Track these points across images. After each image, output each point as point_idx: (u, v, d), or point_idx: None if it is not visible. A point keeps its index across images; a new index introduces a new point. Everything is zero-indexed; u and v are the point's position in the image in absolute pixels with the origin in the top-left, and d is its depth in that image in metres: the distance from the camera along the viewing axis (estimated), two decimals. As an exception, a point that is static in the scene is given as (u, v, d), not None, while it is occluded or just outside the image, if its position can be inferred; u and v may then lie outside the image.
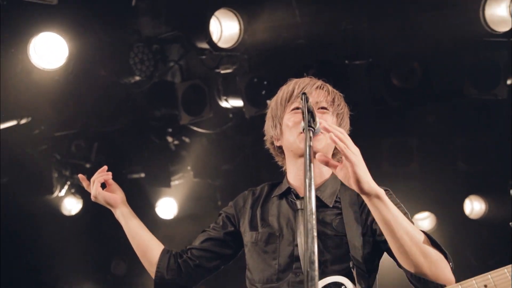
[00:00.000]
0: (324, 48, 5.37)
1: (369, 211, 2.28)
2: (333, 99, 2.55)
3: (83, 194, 6.48)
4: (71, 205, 6.72)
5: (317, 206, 2.24)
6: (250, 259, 2.55)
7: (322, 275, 2.32)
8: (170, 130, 6.48)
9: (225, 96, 5.65)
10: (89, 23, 5.04)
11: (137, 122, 5.98)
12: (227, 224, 2.69)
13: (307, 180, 1.84)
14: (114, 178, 2.83)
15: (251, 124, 6.19)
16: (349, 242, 2.38)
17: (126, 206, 2.78)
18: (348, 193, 2.49)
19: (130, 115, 5.84)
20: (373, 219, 2.28)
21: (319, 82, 2.57)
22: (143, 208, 6.36)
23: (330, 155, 2.50)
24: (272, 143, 2.64)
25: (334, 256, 2.40)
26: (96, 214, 6.74)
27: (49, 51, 4.90)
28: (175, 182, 6.72)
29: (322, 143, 2.38)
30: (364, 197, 2.10)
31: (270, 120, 2.62)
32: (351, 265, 2.34)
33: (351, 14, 5.05)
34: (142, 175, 6.57)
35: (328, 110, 2.49)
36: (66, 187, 6.41)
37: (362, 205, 2.42)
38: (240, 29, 4.94)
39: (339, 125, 2.55)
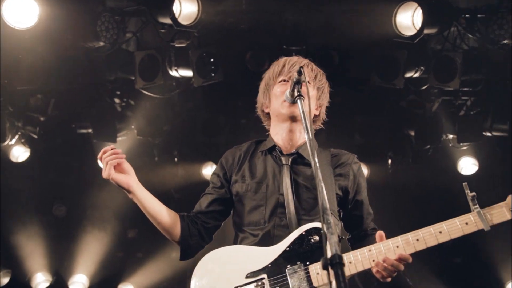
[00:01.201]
0: (265, 34, 6.31)
1: (340, 177, 2.89)
2: (316, 76, 2.94)
3: (32, 143, 6.95)
4: (19, 153, 7.14)
5: (299, 162, 2.91)
6: (240, 206, 2.91)
7: (300, 222, 2.77)
8: (118, 92, 7.12)
9: (176, 66, 6.41)
10: (61, -10, 5.54)
11: (94, 83, 6.57)
12: (224, 183, 3.01)
13: (310, 142, 2.22)
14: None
15: (193, 93, 7.07)
16: (325, 193, 2.69)
17: (140, 188, 2.85)
18: (324, 154, 2.97)
19: (88, 76, 6.40)
20: (346, 187, 2.89)
21: (306, 61, 2.98)
22: (90, 159, 7.00)
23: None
24: (262, 110, 3.07)
25: (311, 206, 2.82)
26: (42, 163, 7.30)
27: (21, 11, 5.36)
28: (120, 139, 7.38)
29: (301, 109, 2.65)
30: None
31: (261, 90, 3.04)
32: (327, 214, 2.79)
33: (290, 7, 6.03)
34: (90, 130, 7.16)
35: (310, 83, 2.88)
36: (16, 136, 6.84)
37: (335, 169, 2.93)
38: (199, 10, 5.70)
39: (319, 97, 2.99)
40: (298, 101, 2.54)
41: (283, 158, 2.93)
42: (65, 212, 7.76)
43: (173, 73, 6.47)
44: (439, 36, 6.26)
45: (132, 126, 7.42)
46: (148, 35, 6.56)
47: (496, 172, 7.25)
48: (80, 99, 6.66)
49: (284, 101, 2.83)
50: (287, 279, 2.65)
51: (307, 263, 2.67)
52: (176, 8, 5.67)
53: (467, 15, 6.06)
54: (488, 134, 7.21)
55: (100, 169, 2.85)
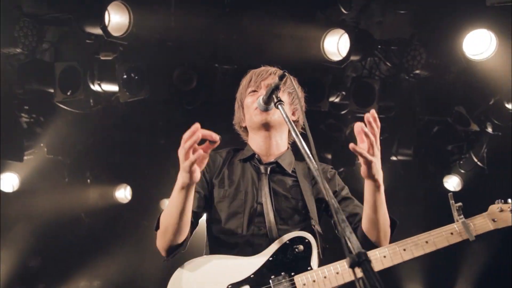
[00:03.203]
0: (194, 52, 6.24)
1: (319, 187, 2.79)
2: (285, 82, 2.81)
3: None
4: None
5: (278, 172, 2.88)
6: (216, 213, 2.80)
7: (279, 231, 2.71)
8: (26, 107, 6.56)
9: (99, 80, 6.09)
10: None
11: (4, 94, 5.97)
12: (208, 182, 2.88)
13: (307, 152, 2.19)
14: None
15: (114, 110, 6.74)
16: (307, 206, 2.77)
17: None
18: (301, 166, 2.94)
19: (10, 86, 5.82)
20: (323, 194, 2.75)
21: (273, 69, 2.95)
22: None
23: (284, 126, 2.89)
24: (240, 126, 3.02)
25: (290, 215, 2.77)
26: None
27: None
28: (27, 157, 6.77)
29: (275, 115, 2.76)
30: (370, 182, 2.48)
31: (236, 107, 3.01)
32: (312, 224, 2.74)
33: (222, 26, 6.03)
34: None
35: (279, 89, 2.65)
36: None
37: (313, 180, 2.89)
38: (130, 22, 5.49)
39: (292, 101, 2.93)
40: (279, 107, 2.47)
41: (261, 167, 2.89)
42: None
43: (95, 87, 6.13)
44: (356, 64, 6.66)
45: (42, 144, 6.86)
46: (67, 46, 6.16)
47: (400, 194, 7.77)
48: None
49: (256, 108, 2.79)
50: None
51: (292, 273, 2.58)
52: (105, 18, 5.42)
53: (382, 46, 6.54)
54: (394, 158, 7.75)
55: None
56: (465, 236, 2.53)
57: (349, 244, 1.75)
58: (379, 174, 2.47)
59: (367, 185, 2.53)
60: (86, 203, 7.46)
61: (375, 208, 2.55)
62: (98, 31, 5.33)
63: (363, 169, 2.45)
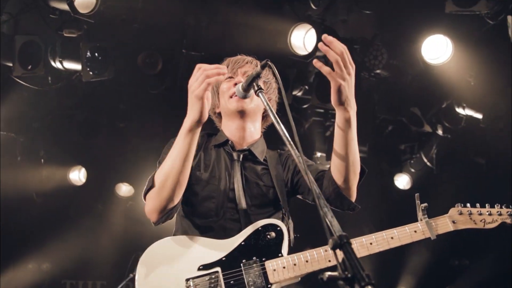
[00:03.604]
0: (161, 36, 6.18)
1: (289, 170, 2.85)
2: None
3: None
4: None
5: (250, 159, 2.93)
6: (190, 194, 2.77)
7: (251, 217, 2.76)
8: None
9: (61, 58, 5.93)
10: None
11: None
12: None
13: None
14: None
15: (74, 89, 6.58)
16: (278, 193, 2.83)
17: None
18: (272, 154, 3.00)
19: None
20: (294, 173, 2.82)
21: (249, 58, 3.01)
22: None
23: (259, 115, 2.95)
24: (214, 112, 3.03)
25: (261, 202, 2.82)
26: None
27: None
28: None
29: (252, 104, 2.83)
30: (341, 109, 2.39)
31: (211, 93, 2.85)
32: (283, 212, 2.83)
33: (191, 12, 6.01)
34: None
35: (260, 77, 2.61)
36: None
37: (284, 165, 2.94)
38: (98, 0, 5.38)
39: (267, 90, 2.95)
40: (260, 94, 2.48)
41: (234, 154, 2.94)
42: None
43: (57, 64, 5.97)
44: (320, 59, 6.79)
45: (-5, 120, 6.61)
46: (28, 19, 5.95)
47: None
48: None
49: (231, 97, 2.84)
50: (242, 274, 2.60)
51: (263, 259, 2.64)
52: (72, -6, 5.28)
53: (345, 44, 6.69)
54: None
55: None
56: (427, 235, 2.70)
57: (331, 228, 1.81)
58: (351, 103, 2.39)
59: (338, 117, 2.44)
60: (38, 183, 7.25)
61: (345, 142, 2.47)
62: (63, 6, 5.21)
63: (332, 95, 2.36)
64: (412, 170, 7.98)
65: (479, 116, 6.64)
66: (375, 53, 6.49)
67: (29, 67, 5.72)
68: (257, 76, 2.52)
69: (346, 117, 2.42)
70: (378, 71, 6.55)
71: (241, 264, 2.64)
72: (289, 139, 2.23)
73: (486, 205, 2.80)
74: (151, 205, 2.60)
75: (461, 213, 2.78)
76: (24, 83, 5.97)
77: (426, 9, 6.10)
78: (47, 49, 5.84)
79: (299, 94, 6.89)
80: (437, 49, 6.01)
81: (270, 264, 2.63)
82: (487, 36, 5.90)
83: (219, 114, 3.06)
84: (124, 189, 7.98)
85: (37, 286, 7.41)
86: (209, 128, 3.14)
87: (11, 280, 7.04)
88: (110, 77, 5.94)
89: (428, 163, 7.77)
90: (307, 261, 2.63)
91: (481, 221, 2.77)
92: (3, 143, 6.77)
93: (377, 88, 7.08)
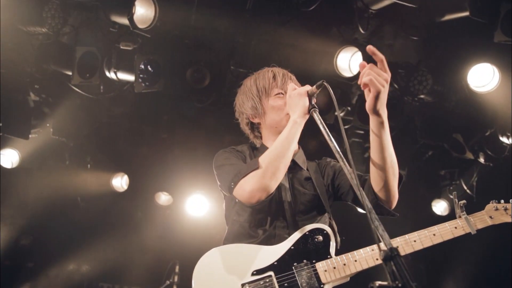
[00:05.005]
0: (210, 52, 6.41)
1: (329, 176, 2.97)
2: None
3: None
4: None
5: (294, 170, 3.05)
6: (241, 203, 2.85)
7: (298, 223, 2.87)
8: (37, 86, 6.64)
9: (116, 69, 6.20)
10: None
11: (18, 72, 6.06)
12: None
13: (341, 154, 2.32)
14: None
15: (124, 100, 6.86)
16: (322, 199, 2.94)
17: None
18: (312, 163, 3.14)
19: (12, 63, 5.90)
20: (333, 178, 2.95)
21: (287, 71, 3.15)
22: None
23: None
24: (248, 121, 3.11)
25: (306, 208, 2.93)
26: None
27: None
28: (32, 136, 6.83)
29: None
30: (375, 115, 2.44)
31: (249, 101, 3.05)
32: (329, 217, 2.95)
33: (241, 31, 6.22)
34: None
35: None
36: None
37: (323, 172, 3.07)
38: (155, 16, 5.63)
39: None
40: (314, 113, 2.66)
41: None
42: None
43: (111, 75, 6.24)
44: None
45: (48, 124, 6.94)
46: (87, 32, 6.28)
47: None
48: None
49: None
50: (294, 276, 2.71)
51: (313, 261, 2.75)
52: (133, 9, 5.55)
53: (390, 68, 6.76)
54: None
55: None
56: (467, 230, 2.81)
57: (382, 240, 1.93)
58: (384, 110, 2.44)
59: (373, 123, 2.50)
60: (83, 187, 7.52)
61: (382, 146, 2.51)
62: (123, 21, 5.46)
63: (369, 102, 2.41)
64: (451, 196, 7.91)
65: (523, 146, 6.59)
66: (419, 78, 6.54)
67: (87, 76, 5.99)
68: (312, 96, 2.68)
69: (381, 121, 2.48)
70: (422, 96, 6.58)
71: (293, 267, 2.74)
72: (342, 155, 2.36)
73: (521, 200, 2.89)
74: (257, 184, 2.63)
75: (497, 209, 2.87)
76: (79, 91, 6.25)
77: (474, 37, 6.12)
78: (103, 60, 6.12)
79: (341, 114, 6.98)
80: (483, 77, 6.02)
81: (320, 265, 2.74)
82: (535, 66, 5.88)
83: (256, 124, 3.14)
84: (163, 198, 8.18)
85: (76, 287, 7.63)
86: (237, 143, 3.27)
87: (53, 280, 7.28)
88: (160, 89, 6.17)
89: (468, 191, 7.69)
90: (356, 261, 2.74)
91: (517, 214, 2.86)
92: (54, 148, 7.08)
93: (420, 112, 7.10)
